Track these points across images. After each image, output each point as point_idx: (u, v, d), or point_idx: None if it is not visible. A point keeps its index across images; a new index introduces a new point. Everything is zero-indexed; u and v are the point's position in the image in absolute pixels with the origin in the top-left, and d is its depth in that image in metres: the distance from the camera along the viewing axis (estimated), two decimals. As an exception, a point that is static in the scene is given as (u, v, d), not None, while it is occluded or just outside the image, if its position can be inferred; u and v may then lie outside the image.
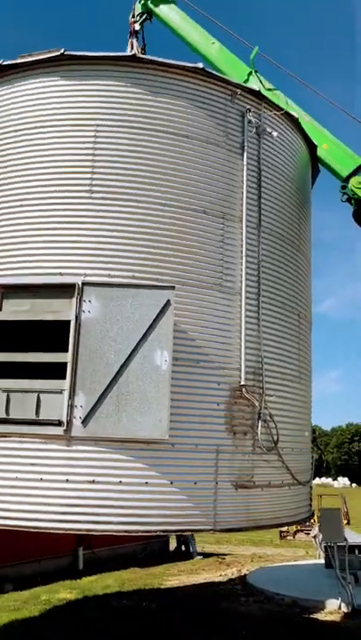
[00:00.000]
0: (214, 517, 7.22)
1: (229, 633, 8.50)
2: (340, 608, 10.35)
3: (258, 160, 9.01)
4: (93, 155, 7.95)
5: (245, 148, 8.73)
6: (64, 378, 7.03)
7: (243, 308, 8.36)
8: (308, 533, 26.09)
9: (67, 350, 7.12)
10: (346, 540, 11.59)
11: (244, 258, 8.51)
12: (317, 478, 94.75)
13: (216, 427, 7.59)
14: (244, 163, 8.71)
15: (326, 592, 11.28)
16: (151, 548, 18.85)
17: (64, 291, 7.44)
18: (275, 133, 9.06)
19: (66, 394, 6.94)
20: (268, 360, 8.63)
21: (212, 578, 14.50)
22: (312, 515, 10.79)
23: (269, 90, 10.83)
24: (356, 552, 14.30)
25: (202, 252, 8.07)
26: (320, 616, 10.15)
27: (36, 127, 8.12)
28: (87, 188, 7.89)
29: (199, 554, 19.82)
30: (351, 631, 8.98)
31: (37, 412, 7.05)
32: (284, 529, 31.73)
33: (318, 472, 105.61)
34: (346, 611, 10.22)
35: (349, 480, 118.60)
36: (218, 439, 7.54)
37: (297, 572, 14.84)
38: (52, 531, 6.75)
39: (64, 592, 12.24)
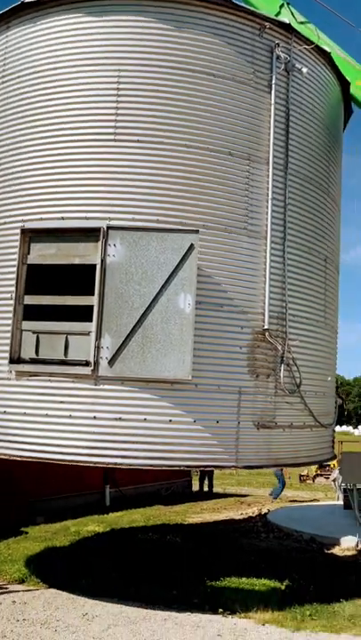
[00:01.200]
0: (236, 455, 7.47)
1: (249, 564, 8.92)
2: (357, 545, 10.73)
3: (286, 99, 8.75)
4: (117, 95, 7.83)
5: (273, 85, 8.47)
6: (91, 320, 7.21)
7: (268, 252, 8.34)
8: (328, 477, 26.67)
9: (93, 293, 7.27)
10: (365, 482, 11.88)
11: (269, 201, 8.42)
12: (338, 426, 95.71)
13: (239, 369, 7.75)
14: (272, 101, 8.47)
15: (344, 531, 11.66)
16: (175, 488, 19.54)
17: (89, 235, 7.51)
18: (305, 70, 8.74)
19: (93, 336, 7.13)
20: (292, 305, 8.66)
21: (233, 516, 15.06)
22: (333, 457, 11.03)
23: (301, 23, 10.36)
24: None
25: (227, 195, 8.01)
26: (338, 552, 10.55)
27: (58, 67, 7.99)
28: (111, 130, 7.81)
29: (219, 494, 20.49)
30: (367, 565, 9.36)
31: (66, 353, 7.28)
32: (304, 473, 32.48)
33: (339, 420, 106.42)
34: (363, 548, 10.61)
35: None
36: (240, 381, 7.71)
37: (316, 512, 15.30)
38: (81, 464, 7.08)
39: (92, 525, 12.88)
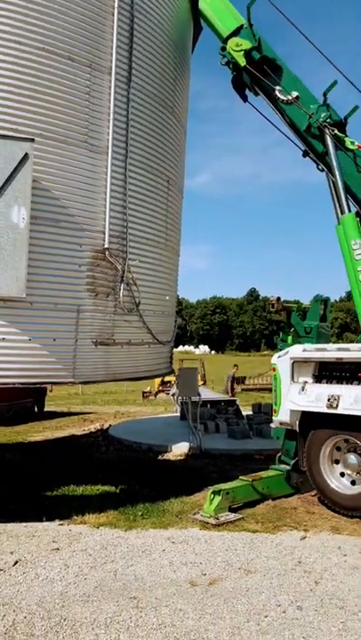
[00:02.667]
0: (74, 371, 7.57)
1: (88, 475, 9.30)
2: (189, 451, 11.69)
3: (131, 4, 8.31)
4: None
5: (117, -13, 7.96)
6: None
7: (109, 168, 8.14)
8: (168, 393, 28.34)
9: None
10: (199, 395, 12.82)
11: (111, 114, 8.13)
12: (181, 346, 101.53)
13: (77, 287, 7.69)
14: (115, 4, 8.00)
15: (179, 439, 12.60)
16: (18, 409, 19.35)
17: None
18: (149, -26, 8.31)
19: None
20: (133, 224, 8.66)
21: (75, 432, 15.43)
22: (172, 372, 11.68)
23: None
24: (208, 406, 16.02)
25: (66, 104, 7.57)
26: (171, 457, 11.40)
27: None
28: None
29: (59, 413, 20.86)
30: (197, 467, 10.28)
31: None
32: (147, 389, 34.10)
33: (182, 340, 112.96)
34: (195, 453, 11.58)
35: (209, 348, 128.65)
36: (79, 299, 7.68)
37: (155, 424, 16.27)
38: None
39: None
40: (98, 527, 6.82)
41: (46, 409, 23.97)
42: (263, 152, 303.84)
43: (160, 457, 11.46)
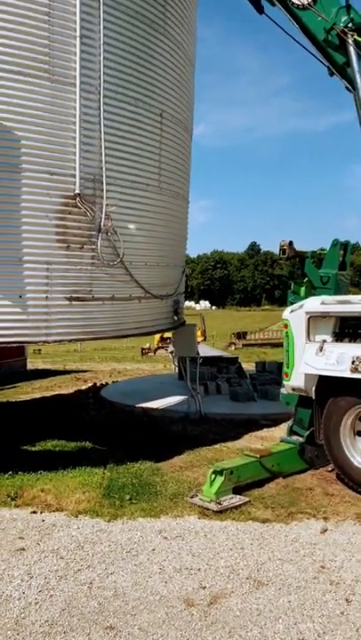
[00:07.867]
0: (47, 329, 6.53)
1: (69, 436, 8.28)
2: (187, 416, 10.56)
3: None
4: None
5: None
6: None
7: (78, 102, 6.85)
8: (167, 349, 27.22)
9: None
10: (198, 353, 11.59)
11: (78, 38, 6.78)
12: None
13: (46, 237, 6.63)
14: None
15: (176, 402, 11.49)
16: (7, 369, 18.31)
17: None
18: None
19: None
20: (112, 166, 7.34)
21: (65, 392, 14.36)
22: (180, 326, 10.46)
23: None
24: (208, 365, 14.83)
25: (22, 30, 6.33)
26: (168, 423, 10.25)
27: None
28: None
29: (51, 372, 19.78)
30: (195, 435, 9.15)
31: None
32: (146, 346, 33.06)
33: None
34: (194, 418, 10.44)
35: (210, 303, 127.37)
36: (48, 251, 6.61)
37: (150, 384, 15.15)
38: None
39: None
40: (76, 516, 5.71)
41: (41, 367, 23.03)
42: (259, 103, 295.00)
43: (154, 423, 10.32)
